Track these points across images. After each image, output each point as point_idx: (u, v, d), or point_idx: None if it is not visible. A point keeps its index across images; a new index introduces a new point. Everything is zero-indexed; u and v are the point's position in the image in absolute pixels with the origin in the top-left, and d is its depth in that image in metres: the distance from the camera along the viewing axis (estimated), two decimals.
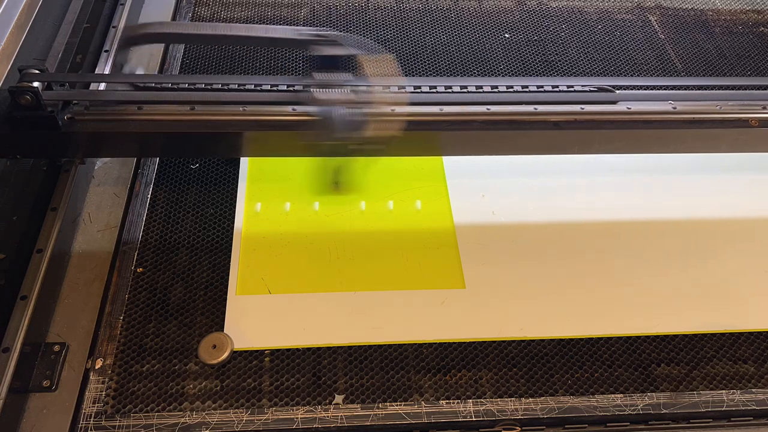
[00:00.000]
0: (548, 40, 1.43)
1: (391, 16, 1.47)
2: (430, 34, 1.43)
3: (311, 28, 1.04)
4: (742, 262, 1.06)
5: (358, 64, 0.96)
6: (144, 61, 1.28)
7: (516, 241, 1.06)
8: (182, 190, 1.10)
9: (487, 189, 1.14)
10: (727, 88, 1.28)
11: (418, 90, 1.01)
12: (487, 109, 0.98)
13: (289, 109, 0.96)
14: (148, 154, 1.12)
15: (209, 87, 0.98)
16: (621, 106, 1.01)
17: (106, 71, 1.13)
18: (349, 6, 1.49)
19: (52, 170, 1.03)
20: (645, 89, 1.11)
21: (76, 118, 0.93)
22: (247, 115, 0.96)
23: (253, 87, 1.00)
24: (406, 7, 1.50)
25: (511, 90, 1.02)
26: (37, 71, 0.92)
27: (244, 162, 1.15)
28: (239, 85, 1.00)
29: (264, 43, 1.25)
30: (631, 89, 1.08)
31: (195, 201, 1.09)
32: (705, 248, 1.07)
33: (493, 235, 1.07)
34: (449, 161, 1.17)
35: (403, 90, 1.00)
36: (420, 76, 1.32)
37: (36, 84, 0.88)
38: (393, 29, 1.43)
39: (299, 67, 1.33)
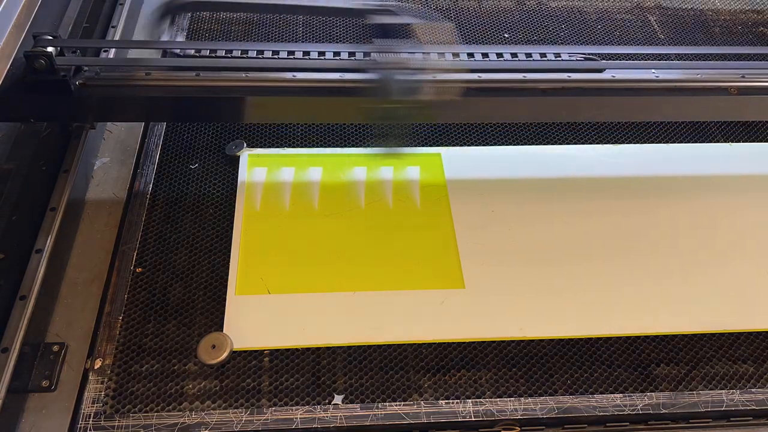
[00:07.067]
0: (548, 40, 1.43)
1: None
2: None
3: None
4: (742, 262, 1.06)
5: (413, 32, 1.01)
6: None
7: (516, 240, 1.06)
8: (182, 190, 1.10)
9: (487, 188, 1.14)
10: (708, 57, 1.34)
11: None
12: (478, 76, 1.01)
13: (289, 75, 0.98)
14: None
15: (213, 54, 1.01)
16: (606, 75, 1.04)
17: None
18: (414, 10, 1.48)
19: (52, 170, 1.03)
20: (630, 58, 1.16)
21: (87, 83, 0.96)
22: (249, 81, 0.98)
23: (255, 54, 1.05)
24: (406, 7, 1.49)
25: (501, 58, 1.05)
26: (50, 37, 0.95)
27: (244, 161, 1.15)
28: (242, 52, 1.03)
29: (321, 13, 1.34)
30: (617, 58, 1.13)
31: (194, 201, 1.09)
32: (704, 248, 1.07)
33: (493, 235, 1.07)
34: (449, 161, 1.17)
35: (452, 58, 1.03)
36: None
37: (50, 49, 0.91)
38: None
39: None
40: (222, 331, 0.93)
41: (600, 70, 1.04)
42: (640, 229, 1.09)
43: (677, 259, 1.05)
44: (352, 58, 1.03)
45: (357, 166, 1.15)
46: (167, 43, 1.24)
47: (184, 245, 1.03)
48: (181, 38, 1.36)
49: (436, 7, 1.50)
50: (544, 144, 1.22)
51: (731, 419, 0.89)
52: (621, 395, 0.90)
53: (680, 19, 1.53)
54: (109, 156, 1.15)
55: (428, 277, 1.01)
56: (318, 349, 0.92)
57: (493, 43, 1.41)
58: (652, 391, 0.90)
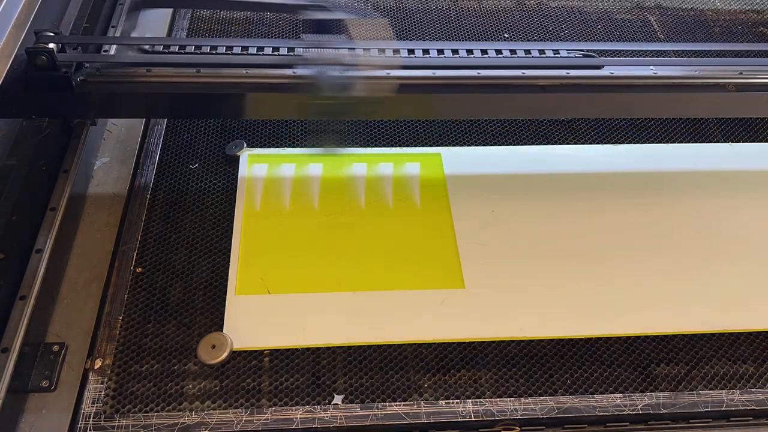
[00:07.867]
0: (548, 40, 1.43)
1: (391, 16, 1.47)
2: (430, 34, 1.43)
3: None
4: (742, 262, 1.06)
5: (347, 27, 1.02)
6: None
7: (516, 240, 1.06)
8: (181, 190, 1.10)
9: (487, 188, 1.14)
10: (706, 53, 1.36)
11: (411, 54, 1.05)
12: (478, 73, 1.02)
13: (288, 71, 0.99)
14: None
15: (214, 50, 1.02)
16: (605, 71, 1.04)
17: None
18: (349, 6, 1.49)
19: (52, 170, 1.03)
20: (628, 54, 1.17)
21: (88, 80, 0.97)
22: (250, 78, 0.99)
23: (255, 51, 1.05)
24: (406, 7, 1.50)
25: (500, 55, 1.06)
26: (51, 33, 0.95)
27: (244, 161, 1.15)
28: (242, 48, 1.05)
29: (255, 8, 1.36)
30: (615, 55, 1.14)
31: (194, 201, 1.09)
32: (704, 248, 1.07)
33: (493, 234, 1.07)
34: (449, 161, 1.17)
35: (394, 54, 1.04)
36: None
37: (51, 45, 0.92)
38: (393, 29, 1.43)
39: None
40: (222, 331, 0.93)
41: (598, 67, 1.05)
42: (640, 229, 1.09)
43: (677, 259, 1.05)
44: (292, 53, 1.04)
45: (357, 165, 1.15)
46: (167, 41, 1.24)
47: (184, 245, 1.03)
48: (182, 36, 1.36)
49: (437, 8, 1.50)
50: (544, 144, 1.22)
51: (731, 419, 0.89)
52: (621, 395, 0.90)
53: (680, 19, 1.53)
54: (109, 156, 1.15)
55: (428, 277, 1.01)
56: (318, 349, 0.92)
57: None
58: (652, 391, 0.90)
